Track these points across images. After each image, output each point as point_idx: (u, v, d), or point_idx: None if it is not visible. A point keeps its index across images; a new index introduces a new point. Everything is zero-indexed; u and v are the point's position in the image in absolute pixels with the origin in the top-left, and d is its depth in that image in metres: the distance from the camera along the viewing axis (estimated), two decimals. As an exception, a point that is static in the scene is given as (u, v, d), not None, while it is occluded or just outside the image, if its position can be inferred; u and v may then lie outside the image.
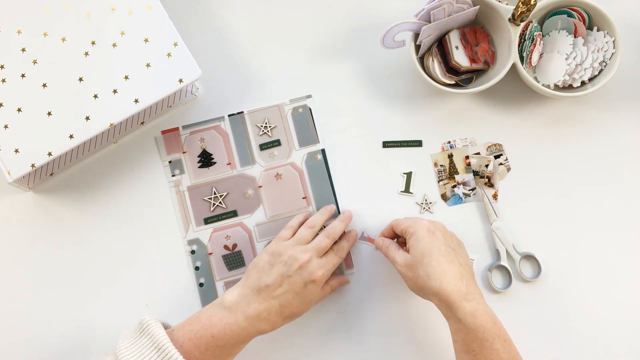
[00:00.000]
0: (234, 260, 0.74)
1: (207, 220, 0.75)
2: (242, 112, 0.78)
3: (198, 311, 0.64)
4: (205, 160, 0.76)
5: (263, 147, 0.77)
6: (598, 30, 0.75)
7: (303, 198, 0.76)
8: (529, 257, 0.74)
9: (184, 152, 0.76)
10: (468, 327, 0.60)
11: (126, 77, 0.69)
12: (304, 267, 0.64)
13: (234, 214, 0.75)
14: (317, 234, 0.69)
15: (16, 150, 0.67)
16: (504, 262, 0.74)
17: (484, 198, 0.75)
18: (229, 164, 0.76)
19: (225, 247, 0.75)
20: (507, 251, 0.74)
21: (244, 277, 0.66)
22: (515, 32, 0.74)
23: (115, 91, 0.69)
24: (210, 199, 0.75)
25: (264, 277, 0.64)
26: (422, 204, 0.76)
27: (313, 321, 0.73)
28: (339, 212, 0.76)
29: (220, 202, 0.75)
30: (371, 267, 0.75)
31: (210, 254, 0.74)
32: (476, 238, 0.75)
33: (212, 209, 0.75)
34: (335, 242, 0.70)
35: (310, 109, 0.78)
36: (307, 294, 0.64)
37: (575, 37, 0.75)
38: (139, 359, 0.57)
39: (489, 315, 0.61)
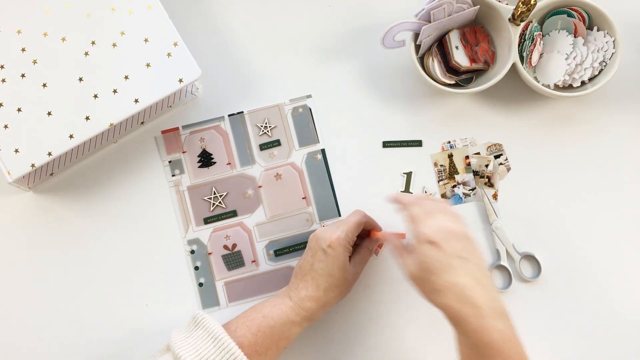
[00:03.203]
0: (234, 260, 0.74)
1: (207, 220, 0.75)
2: (242, 112, 0.78)
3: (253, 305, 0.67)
4: (205, 160, 0.76)
5: (263, 147, 0.77)
6: (598, 30, 0.75)
7: (303, 198, 0.76)
8: (529, 257, 0.74)
9: (183, 152, 0.76)
10: (472, 343, 0.55)
11: (126, 77, 0.69)
12: (318, 235, 0.66)
13: (233, 213, 0.75)
14: None
15: (16, 150, 0.67)
16: (504, 262, 0.74)
17: (484, 198, 0.75)
18: (229, 163, 0.76)
19: (225, 247, 0.75)
20: (507, 251, 0.74)
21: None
22: (515, 32, 0.74)
23: (115, 91, 0.69)
24: (210, 198, 0.75)
25: (300, 261, 0.68)
26: (422, 201, 0.76)
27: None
28: (339, 214, 0.76)
29: (220, 202, 0.75)
30: (369, 265, 0.75)
31: (210, 253, 0.74)
32: (476, 238, 0.75)
33: (211, 208, 0.75)
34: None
35: (310, 109, 0.78)
36: (332, 258, 0.65)
37: (575, 37, 0.75)
38: (196, 350, 0.59)
39: (496, 331, 0.55)
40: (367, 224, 0.70)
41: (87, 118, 0.68)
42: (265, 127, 0.77)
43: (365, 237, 0.71)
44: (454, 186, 0.77)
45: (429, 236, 0.58)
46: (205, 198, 0.75)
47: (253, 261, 0.75)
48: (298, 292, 0.65)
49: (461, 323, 0.55)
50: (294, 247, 0.75)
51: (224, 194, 0.76)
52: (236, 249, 0.75)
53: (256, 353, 0.61)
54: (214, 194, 0.76)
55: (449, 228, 0.58)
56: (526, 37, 0.75)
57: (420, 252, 0.58)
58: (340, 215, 0.76)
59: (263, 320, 0.63)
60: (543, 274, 0.74)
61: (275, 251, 0.75)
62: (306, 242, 0.74)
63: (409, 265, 0.60)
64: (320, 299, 0.65)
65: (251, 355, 0.61)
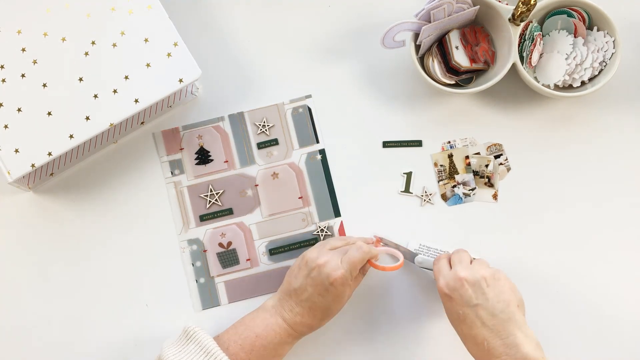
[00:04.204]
0: (228, 257, 0.75)
1: (203, 218, 0.75)
2: (242, 111, 0.78)
3: (241, 317, 0.66)
4: (202, 157, 0.76)
5: (260, 145, 0.77)
6: (598, 30, 0.75)
7: (299, 198, 0.76)
8: None
9: (181, 149, 0.76)
10: None
11: (126, 77, 0.69)
12: (322, 267, 0.64)
13: (229, 211, 0.75)
14: None
15: (16, 150, 0.67)
16: None
17: (388, 245, 0.73)
18: (226, 161, 0.76)
19: (220, 244, 0.75)
20: None
21: (282, 283, 0.68)
22: (515, 32, 0.74)
23: (115, 91, 0.69)
24: (207, 196, 0.75)
25: (293, 282, 0.66)
26: (422, 196, 0.76)
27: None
28: (339, 214, 0.76)
29: (216, 200, 0.75)
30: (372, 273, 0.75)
31: (205, 251, 0.75)
32: (477, 238, 0.75)
33: (207, 206, 0.75)
34: None
35: (310, 109, 0.78)
36: (332, 295, 0.64)
37: (575, 37, 0.75)
38: None
39: None
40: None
41: (87, 118, 0.68)
42: (263, 125, 0.77)
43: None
44: (454, 186, 0.77)
45: (442, 289, 0.63)
46: (202, 195, 0.76)
47: (248, 259, 0.75)
48: (293, 316, 0.65)
49: None
50: (289, 246, 0.75)
51: (221, 191, 0.76)
52: (231, 247, 0.75)
53: None
54: (210, 191, 0.76)
55: (461, 276, 0.62)
56: (526, 37, 0.75)
57: (444, 305, 0.64)
58: (340, 216, 0.76)
59: (256, 340, 0.63)
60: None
61: (270, 250, 0.75)
62: (302, 242, 0.75)
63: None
64: (315, 326, 0.66)
65: None
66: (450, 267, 0.65)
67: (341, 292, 0.64)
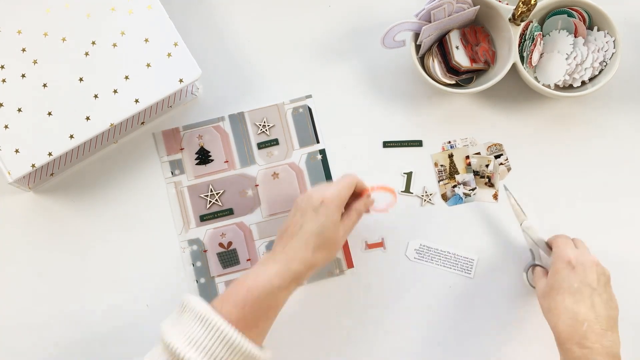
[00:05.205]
0: (229, 258, 0.75)
1: (203, 218, 0.75)
2: (242, 111, 0.78)
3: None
4: (203, 157, 0.76)
5: (260, 145, 0.77)
6: (598, 30, 0.75)
7: (300, 198, 0.76)
8: None
9: (181, 149, 0.76)
10: None
11: (126, 77, 0.69)
12: (309, 195, 0.63)
13: (230, 212, 0.75)
14: None
15: (16, 150, 0.67)
16: (538, 261, 0.72)
17: (510, 199, 0.73)
18: (227, 161, 0.76)
19: (221, 244, 0.75)
20: (540, 252, 0.72)
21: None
22: (515, 32, 0.74)
23: (115, 91, 0.69)
24: (207, 196, 0.75)
25: (285, 223, 0.64)
26: (423, 196, 0.76)
27: (309, 321, 0.73)
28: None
29: (216, 200, 0.75)
30: (370, 266, 0.75)
31: (205, 251, 0.75)
32: (477, 238, 0.75)
33: (208, 206, 0.75)
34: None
35: (310, 109, 0.78)
36: (324, 216, 0.62)
37: (575, 37, 0.75)
38: (185, 334, 0.56)
39: None
40: (358, 186, 0.67)
41: (88, 118, 0.68)
42: (264, 126, 0.77)
43: (353, 199, 0.68)
44: (455, 186, 0.77)
45: (570, 258, 0.63)
46: (202, 195, 0.75)
47: (248, 259, 0.75)
48: (284, 253, 0.61)
49: (566, 350, 0.59)
50: None
51: (221, 191, 0.76)
52: (231, 247, 0.75)
53: (246, 327, 0.58)
54: (211, 191, 0.76)
55: (590, 260, 0.63)
56: (526, 37, 0.75)
57: (555, 269, 0.63)
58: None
59: (248, 293, 0.59)
60: None
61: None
62: None
63: (540, 286, 0.65)
64: (308, 260, 0.61)
65: (242, 330, 0.57)
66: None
67: (332, 213, 0.62)
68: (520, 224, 0.73)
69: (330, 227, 0.62)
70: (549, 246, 0.71)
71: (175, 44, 0.70)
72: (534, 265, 0.72)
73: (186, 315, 0.58)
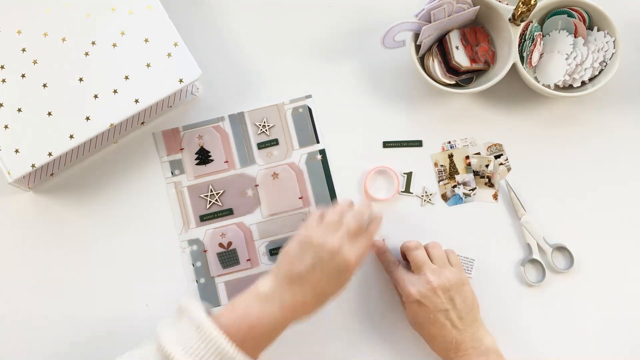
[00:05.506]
0: (229, 258, 0.75)
1: (203, 218, 0.75)
2: (242, 111, 0.78)
3: (232, 300, 0.62)
4: (203, 157, 0.76)
5: (260, 146, 0.77)
6: (598, 30, 0.75)
7: (299, 198, 0.76)
8: (561, 249, 0.74)
9: (181, 149, 0.76)
10: None
11: (126, 77, 0.69)
12: (335, 253, 0.61)
13: (230, 212, 0.75)
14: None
15: (16, 150, 0.67)
16: (536, 255, 0.73)
17: (510, 193, 0.75)
18: (227, 161, 0.76)
19: (220, 244, 0.75)
20: (537, 244, 0.74)
21: (275, 265, 0.63)
22: (515, 32, 0.74)
23: (115, 91, 0.69)
24: (207, 196, 0.75)
25: (297, 266, 0.61)
26: (422, 196, 0.76)
27: (308, 323, 0.73)
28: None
29: (216, 200, 0.75)
30: (370, 266, 0.75)
31: (205, 251, 0.75)
32: (477, 238, 0.75)
33: (208, 206, 0.75)
34: None
35: (310, 109, 0.78)
36: (344, 280, 0.62)
37: (575, 37, 0.75)
38: (181, 341, 0.56)
39: None
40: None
41: (88, 118, 0.68)
42: (264, 126, 0.77)
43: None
44: (454, 186, 0.77)
45: (415, 297, 0.67)
46: (202, 195, 0.75)
47: (248, 260, 0.75)
48: (289, 301, 0.60)
49: (450, 358, 0.67)
50: None
51: (221, 191, 0.76)
52: (231, 247, 0.75)
53: (244, 341, 0.58)
54: (211, 191, 0.76)
55: (433, 282, 0.67)
56: (526, 37, 0.75)
57: (408, 309, 0.68)
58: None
59: (249, 331, 0.59)
60: (576, 264, 0.74)
61: (270, 250, 0.75)
62: None
63: (407, 316, 0.70)
64: (315, 309, 0.62)
65: (238, 343, 0.57)
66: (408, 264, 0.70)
67: (350, 277, 0.63)
68: (520, 219, 0.74)
69: (344, 286, 0.63)
70: (404, 257, 0.72)
71: (175, 44, 0.70)
72: (531, 260, 0.74)
73: (184, 321, 0.59)
